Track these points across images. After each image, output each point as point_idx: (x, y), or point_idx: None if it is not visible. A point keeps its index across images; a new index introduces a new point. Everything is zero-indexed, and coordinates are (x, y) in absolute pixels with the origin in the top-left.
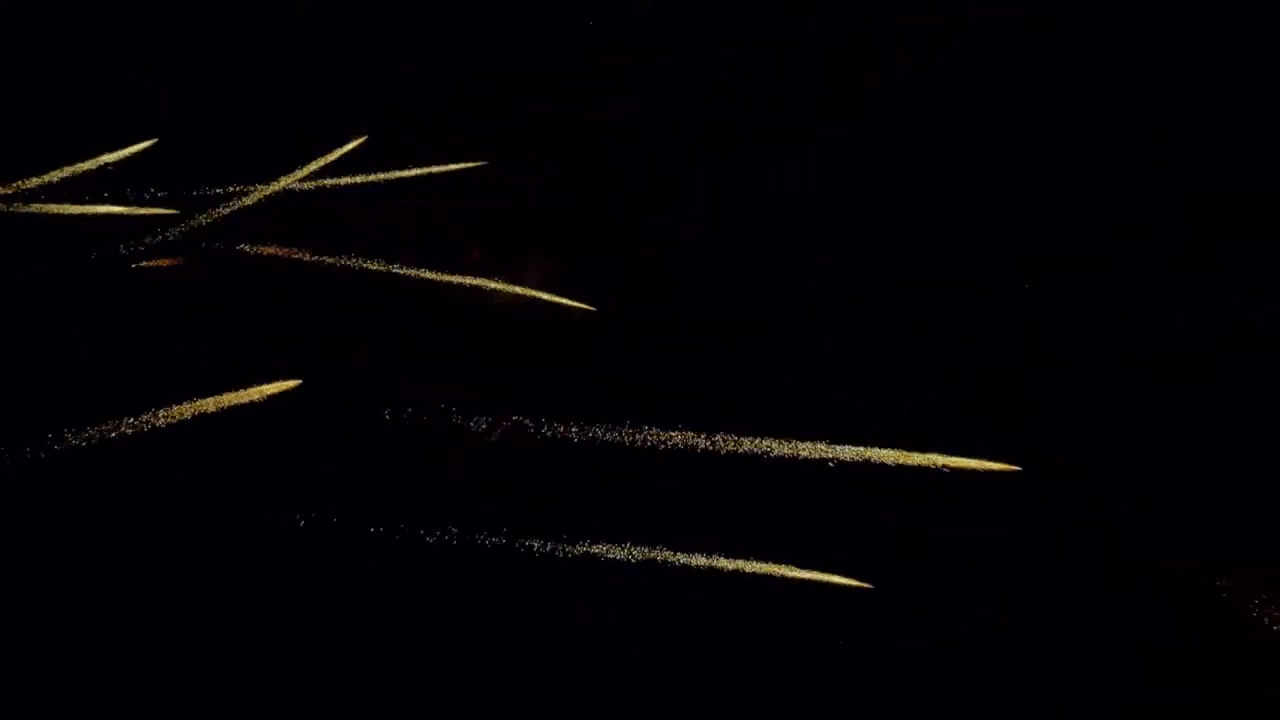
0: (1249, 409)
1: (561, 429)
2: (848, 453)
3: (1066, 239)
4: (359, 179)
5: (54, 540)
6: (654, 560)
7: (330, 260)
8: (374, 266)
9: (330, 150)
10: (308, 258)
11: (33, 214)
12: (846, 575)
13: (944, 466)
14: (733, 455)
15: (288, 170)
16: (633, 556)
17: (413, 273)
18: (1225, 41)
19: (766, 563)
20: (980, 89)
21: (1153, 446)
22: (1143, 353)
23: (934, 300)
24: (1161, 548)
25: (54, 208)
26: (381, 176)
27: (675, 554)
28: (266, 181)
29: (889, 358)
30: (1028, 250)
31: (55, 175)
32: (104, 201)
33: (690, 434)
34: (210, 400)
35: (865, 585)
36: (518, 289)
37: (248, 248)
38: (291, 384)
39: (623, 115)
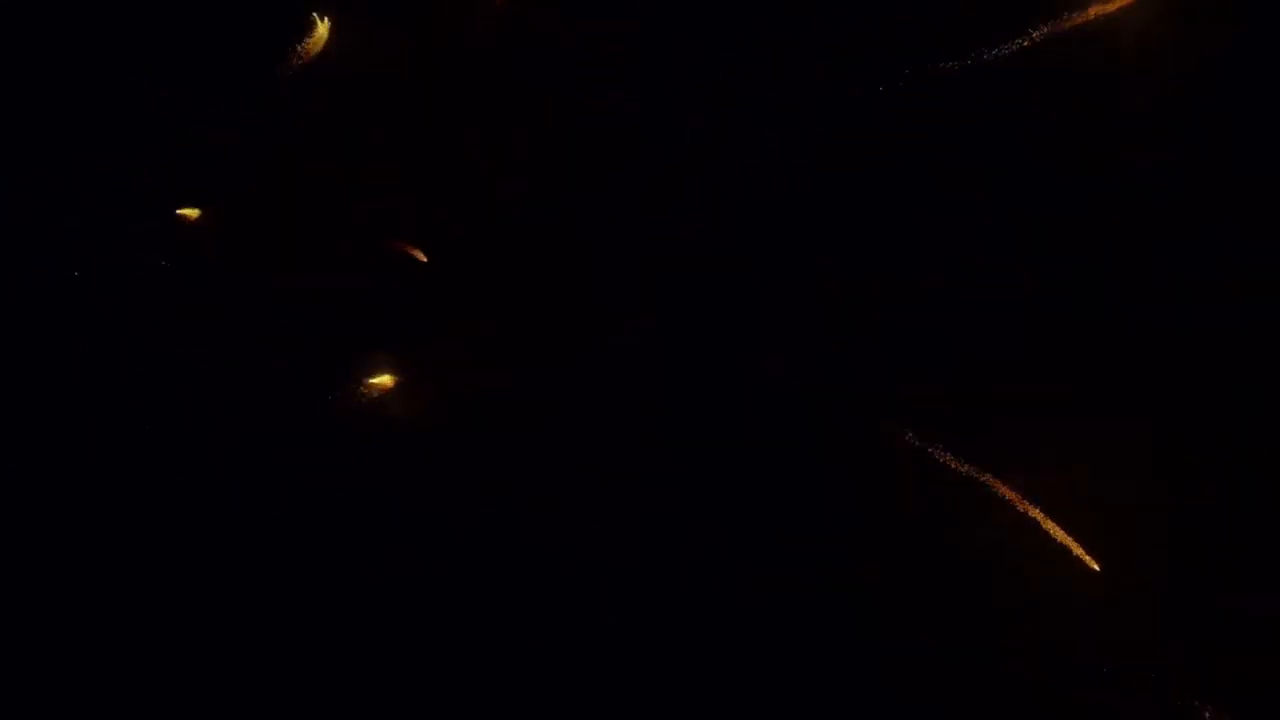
0: (1249, 410)
1: (560, 430)
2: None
3: (1065, 238)
4: (358, 180)
5: (52, 539)
6: (651, 560)
7: (329, 260)
8: (373, 268)
9: (328, 149)
10: (308, 257)
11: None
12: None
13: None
14: (733, 455)
15: (287, 170)
16: (630, 557)
17: (410, 275)
18: (1225, 42)
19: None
20: (980, 89)
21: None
22: (1140, 352)
23: (932, 299)
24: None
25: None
26: (381, 179)
27: (672, 554)
28: (267, 182)
29: (886, 355)
30: (1026, 249)
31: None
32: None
33: (690, 434)
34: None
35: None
36: (516, 291)
37: (248, 249)
38: (388, 379)
39: (622, 115)
